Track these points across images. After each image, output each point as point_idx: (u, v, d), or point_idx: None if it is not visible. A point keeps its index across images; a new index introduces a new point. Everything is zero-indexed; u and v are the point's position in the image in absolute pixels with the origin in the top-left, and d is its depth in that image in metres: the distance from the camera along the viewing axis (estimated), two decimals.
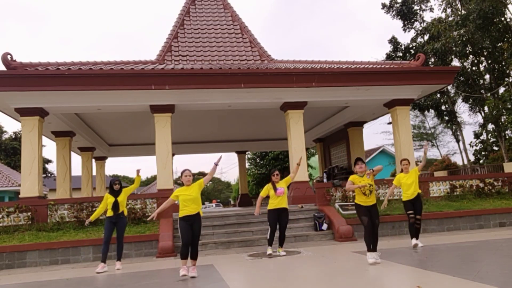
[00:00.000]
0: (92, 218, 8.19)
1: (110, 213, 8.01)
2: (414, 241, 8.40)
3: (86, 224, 8.46)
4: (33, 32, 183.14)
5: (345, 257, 7.66)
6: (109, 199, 8.05)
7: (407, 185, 8.50)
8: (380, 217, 10.49)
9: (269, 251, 8.40)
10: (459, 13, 21.21)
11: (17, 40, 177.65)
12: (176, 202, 6.72)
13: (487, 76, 22.50)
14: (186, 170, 6.69)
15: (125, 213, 8.28)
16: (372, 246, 6.74)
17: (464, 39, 19.91)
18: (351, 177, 7.11)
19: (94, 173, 19.93)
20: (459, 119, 26.00)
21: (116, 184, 8.11)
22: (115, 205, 7.96)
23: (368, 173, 6.98)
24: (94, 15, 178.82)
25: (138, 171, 8.47)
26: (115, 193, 8.07)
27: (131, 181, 73.92)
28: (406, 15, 23.83)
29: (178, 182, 32.33)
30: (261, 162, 32.17)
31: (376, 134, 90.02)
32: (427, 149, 8.36)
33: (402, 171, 8.81)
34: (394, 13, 23.95)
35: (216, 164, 6.69)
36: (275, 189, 8.44)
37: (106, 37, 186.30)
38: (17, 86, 11.00)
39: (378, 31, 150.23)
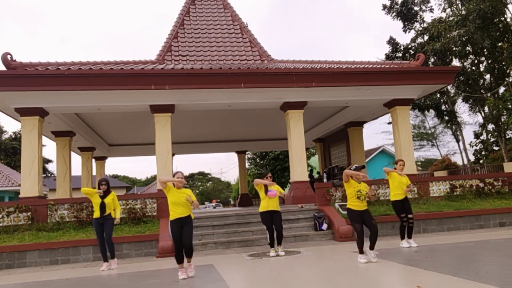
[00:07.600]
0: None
1: (97, 214, 8.00)
2: (405, 243, 8.44)
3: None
4: (31, 32, 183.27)
5: (345, 257, 7.66)
6: (96, 200, 8.01)
7: (402, 184, 8.54)
8: (380, 217, 10.66)
9: (273, 253, 8.37)
10: (459, 12, 21.19)
11: (15, 40, 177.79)
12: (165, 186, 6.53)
13: (487, 76, 22.50)
14: (178, 173, 6.69)
15: (112, 215, 8.20)
16: (370, 245, 6.90)
17: (464, 39, 19.91)
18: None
19: (94, 173, 19.94)
20: (459, 119, 26.00)
21: (102, 185, 8.07)
22: (102, 207, 7.94)
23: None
24: (93, 14, 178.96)
25: None
26: (103, 194, 8.03)
27: (131, 181, 74.01)
28: (406, 16, 23.85)
29: None
30: (261, 162, 32.16)
31: (376, 134, 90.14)
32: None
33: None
34: (394, 14, 23.98)
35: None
36: (266, 190, 8.40)
37: (105, 37, 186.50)
38: (17, 86, 11.00)
39: (378, 30, 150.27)
